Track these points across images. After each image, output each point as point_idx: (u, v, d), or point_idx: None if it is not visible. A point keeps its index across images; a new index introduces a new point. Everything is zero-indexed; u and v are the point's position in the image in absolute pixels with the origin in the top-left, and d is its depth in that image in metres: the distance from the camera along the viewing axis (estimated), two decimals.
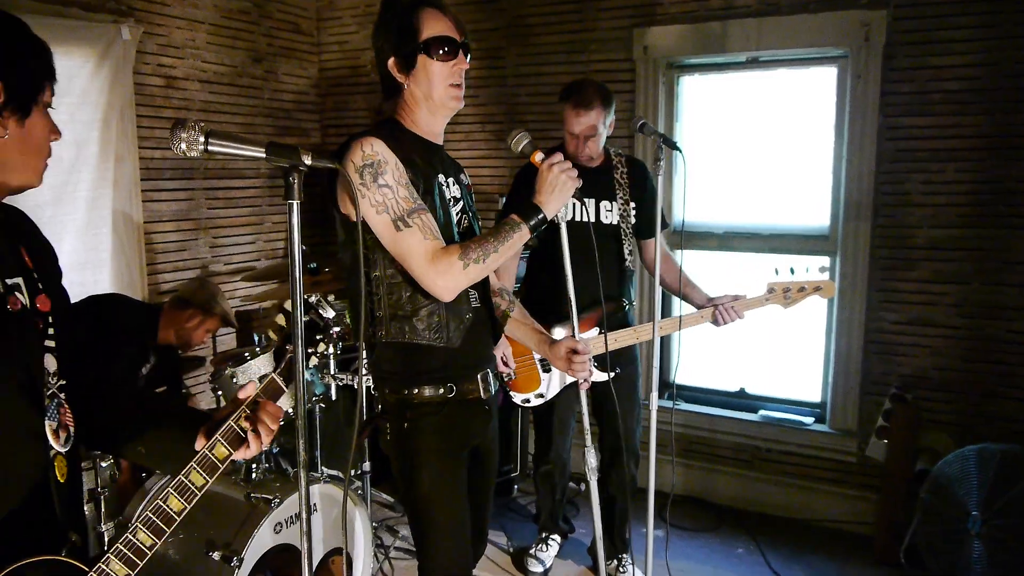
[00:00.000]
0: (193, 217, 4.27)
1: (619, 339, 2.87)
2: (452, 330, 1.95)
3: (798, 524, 3.80)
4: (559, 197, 1.90)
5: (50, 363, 1.33)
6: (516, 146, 1.98)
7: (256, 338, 3.13)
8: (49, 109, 1.31)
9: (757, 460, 3.97)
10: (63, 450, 1.33)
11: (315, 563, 1.41)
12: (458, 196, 2.05)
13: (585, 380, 2.13)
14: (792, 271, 2.81)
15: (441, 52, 1.88)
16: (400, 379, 1.96)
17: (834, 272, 3.69)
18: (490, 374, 2.08)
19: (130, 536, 1.33)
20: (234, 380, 2.90)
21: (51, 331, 1.34)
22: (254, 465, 2.75)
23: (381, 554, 3.27)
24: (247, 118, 4.52)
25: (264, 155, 1.25)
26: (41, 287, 1.35)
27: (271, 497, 2.53)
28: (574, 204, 2.96)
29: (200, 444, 1.40)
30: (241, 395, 1.46)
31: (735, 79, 3.97)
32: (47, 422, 1.29)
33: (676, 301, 4.05)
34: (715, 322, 2.83)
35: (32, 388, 1.28)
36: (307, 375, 2.92)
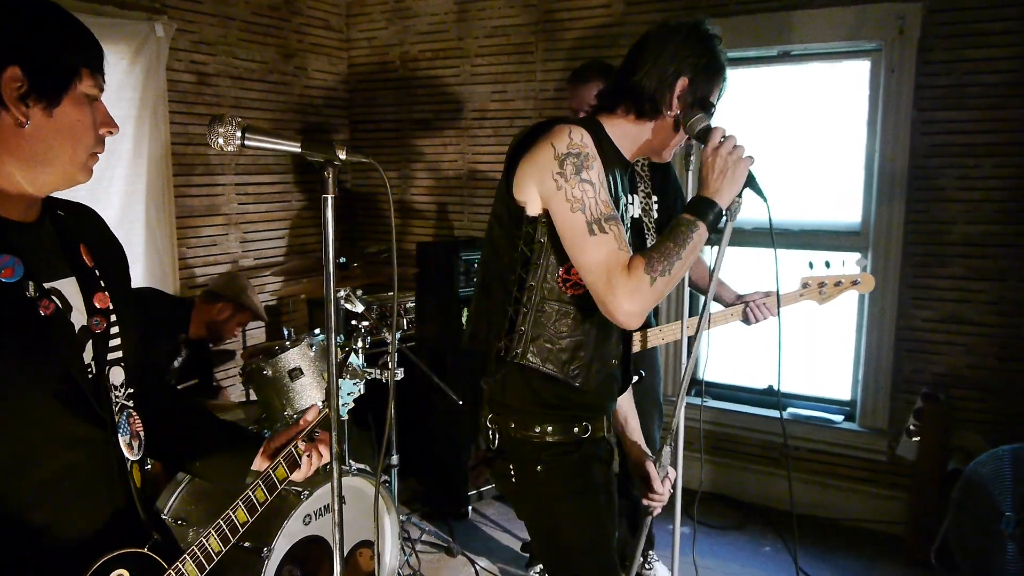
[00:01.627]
0: (224, 212, 4.33)
1: (648, 339, 2.83)
2: (594, 372, 1.74)
3: (826, 523, 3.77)
4: (732, 182, 1.66)
5: (116, 376, 1.31)
6: (693, 129, 1.75)
7: (285, 332, 3.16)
8: (99, 97, 1.24)
9: (785, 458, 3.93)
10: (136, 459, 1.35)
11: (340, 555, 1.44)
12: (634, 218, 1.91)
13: (651, 511, 2.00)
14: (827, 265, 2.73)
15: (704, 124, 1.72)
16: (530, 414, 1.74)
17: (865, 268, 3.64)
18: (613, 412, 1.92)
19: (203, 541, 1.43)
20: (265, 373, 2.93)
21: (117, 339, 1.31)
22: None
23: (408, 547, 3.29)
24: (277, 114, 4.57)
25: (299, 150, 1.26)
26: (103, 284, 1.31)
27: (300, 489, 2.56)
28: None
29: (259, 464, 1.55)
30: (302, 422, 1.61)
31: (766, 73, 3.93)
32: (120, 436, 1.30)
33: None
34: (746, 320, 2.75)
35: (74, 392, 1.23)
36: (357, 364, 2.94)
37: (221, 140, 1.24)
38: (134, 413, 1.36)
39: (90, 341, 1.26)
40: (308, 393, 2.96)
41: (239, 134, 1.24)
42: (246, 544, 2.44)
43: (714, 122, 1.76)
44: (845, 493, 3.80)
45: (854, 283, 2.73)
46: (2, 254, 1.15)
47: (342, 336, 3.22)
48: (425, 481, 4.06)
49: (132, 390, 1.35)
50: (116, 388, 1.31)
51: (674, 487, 2.72)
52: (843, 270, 2.73)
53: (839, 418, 3.83)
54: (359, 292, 3.11)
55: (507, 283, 1.73)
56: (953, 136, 3.42)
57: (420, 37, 4.75)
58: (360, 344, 2.95)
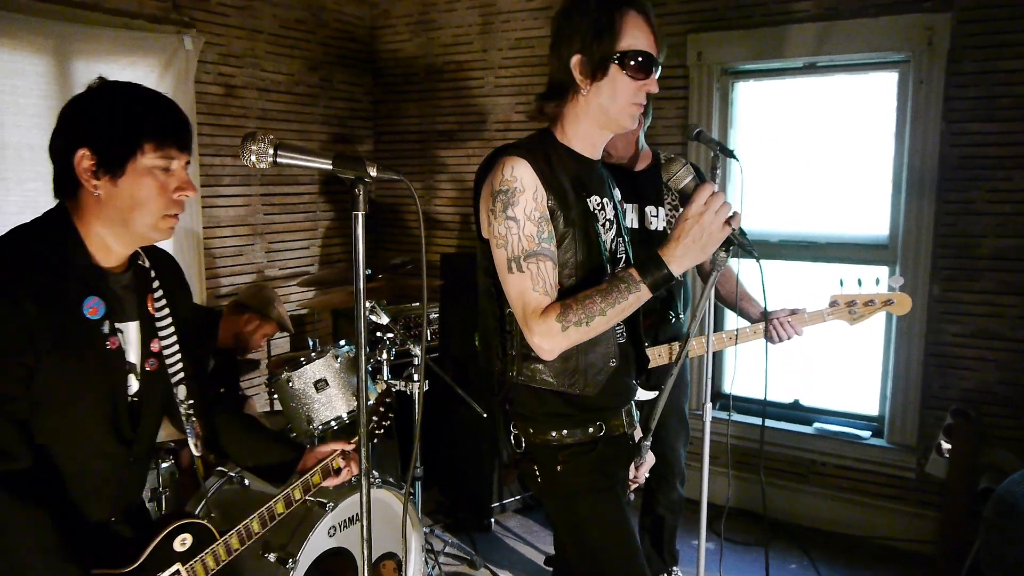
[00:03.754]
0: (250, 223, 4.37)
1: (662, 355, 2.79)
2: (589, 377, 1.76)
3: (853, 540, 3.72)
4: (701, 252, 1.58)
5: (181, 392, 1.63)
6: (677, 184, 1.70)
7: (311, 342, 3.18)
8: (171, 166, 1.43)
9: (812, 474, 3.89)
10: (200, 455, 1.71)
11: (370, 567, 1.48)
12: (612, 219, 1.84)
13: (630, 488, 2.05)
14: (859, 283, 2.55)
15: (637, 69, 1.66)
16: (544, 422, 1.79)
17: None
18: (633, 406, 1.93)
19: (247, 522, 1.74)
20: (290, 384, 2.95)
21: (178, 364, 1.62)
22: None
23: (431, 559, 3.28)
24: (303, 126, 4.61)
25: (331, 167, 1.27)
26: (159, 330, 1.58)
27: (326, 501, 2.57)
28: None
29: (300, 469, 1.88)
30: (341, 445, 1.94)
31: (792, 84, 3.91)
32: (189, 438, 1.67)
33: (731, 313, 3.99)
34: (769, 338, 2.64)
35: (115, 415, 1.49)
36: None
37: (254, 157, 1.25)
38: (196, 420, 1.67)
39: (135, 375, 1.53)
40: (333, 404, 2.97)
41: (271, 151, 1.25)
42: (271, 556, 2.45)
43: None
44: (873, 510, 3.74)
45: (887, 303, 2.57)
46: (92, 295, 1.42)
47: (367, 348, 3.23)
48: (448, 493, 4.06)
49: (192, 401, 1.66)
50: (183, 402, 1.63)
51: (698, 503, 2.70)
52: (876, 289, 2.60)
53: (867, 434, 3.78)
54: (384, 303, 3.12)
55: (492, 311, 1.80)
56: (983, 148, 3.37)
57: (444, 49, 4.78)
58: (385, 356, 2.96)
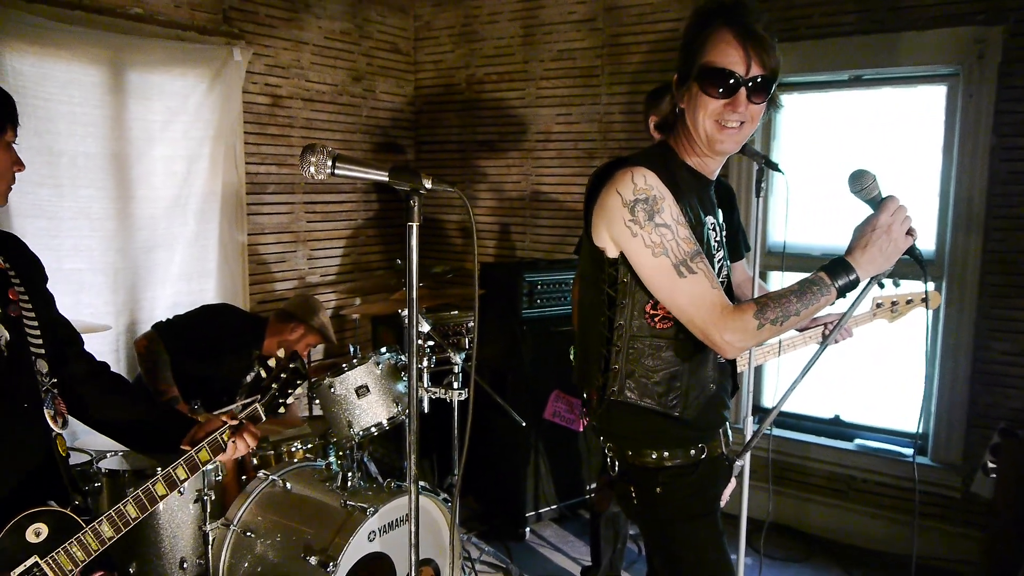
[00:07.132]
0: (293, 230, 4.44)
1: None
2: (691, 399, 1.72)
3: (894, 559, 3.65)
4: (887, 262, 1.63)
5: (42, 366, 1.64)
6: (869, 194, 1.71)
7: (352, 349, 3.22)
8: (15, 145, 1.64)
9: (852, 491, 3.83)
10: (63, 431, 1.66)
11: (406, 573, 1.46)
12: (720, 241, 1.82)
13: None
14: (896, 284, 2.71)
15: (712, 86, 1.61)
16: (643, 442, 1.76)
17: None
18: (728, 424, 1.88)
19: (121, 507, 1.65)
20: (332, 389, 2.99)
21: (39, 338, 1.63)
22: (349, 473, 2.83)
23: (468, 566, 3.30)
24: (345, 135, 4.68)
25: (387, 179, 1.29)
26: (15, 282, 1.63)
27: (367, 506, 2.60)
28: None
29: (186, 445, 1.80)
30: (228, 417, 1.86)
31: (837, 97, 3.87)
32: (45, 410, 1.61)
33: None
34: (824, 341, 2.70)
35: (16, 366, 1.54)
36: (401, 387, 2.99)
37: (313, 169, 1.28)
38: (58, 397, 1.66)
39: (4, 326, 1.58)
40: (374, 410, 3.00)
41: (330, 163, 1.27)
42: (313, 560, 2.48)
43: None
44: (914, 529, 3.67)
45: (923, 300, 2.72)
46: None
47: (403, 357, 3.26)
48: (482, 500, 4.07)
49: (56, 379, 1.67)
50: (43, 375, 1.63)
51: (738, 517, 2.68)
52: (912, 288, 2.73)
53: (909, 451, 3.71)
54: (423, 310, 3.15)
55: (598, 324, 1.75)
56: None
57: (486, 60, 4.82)
58: (426, 363, 2.99)
